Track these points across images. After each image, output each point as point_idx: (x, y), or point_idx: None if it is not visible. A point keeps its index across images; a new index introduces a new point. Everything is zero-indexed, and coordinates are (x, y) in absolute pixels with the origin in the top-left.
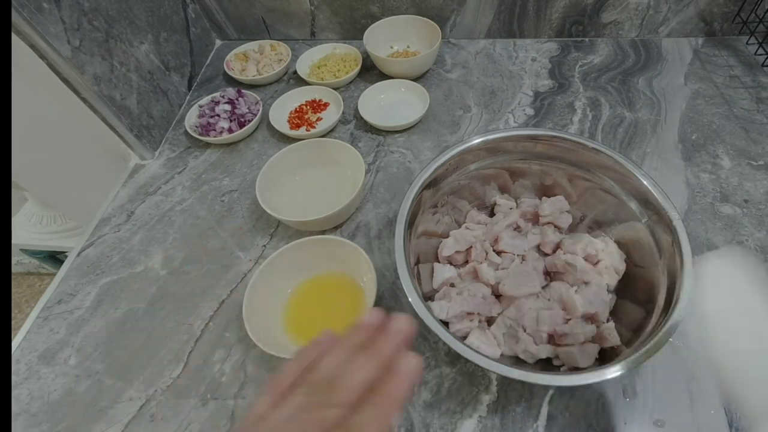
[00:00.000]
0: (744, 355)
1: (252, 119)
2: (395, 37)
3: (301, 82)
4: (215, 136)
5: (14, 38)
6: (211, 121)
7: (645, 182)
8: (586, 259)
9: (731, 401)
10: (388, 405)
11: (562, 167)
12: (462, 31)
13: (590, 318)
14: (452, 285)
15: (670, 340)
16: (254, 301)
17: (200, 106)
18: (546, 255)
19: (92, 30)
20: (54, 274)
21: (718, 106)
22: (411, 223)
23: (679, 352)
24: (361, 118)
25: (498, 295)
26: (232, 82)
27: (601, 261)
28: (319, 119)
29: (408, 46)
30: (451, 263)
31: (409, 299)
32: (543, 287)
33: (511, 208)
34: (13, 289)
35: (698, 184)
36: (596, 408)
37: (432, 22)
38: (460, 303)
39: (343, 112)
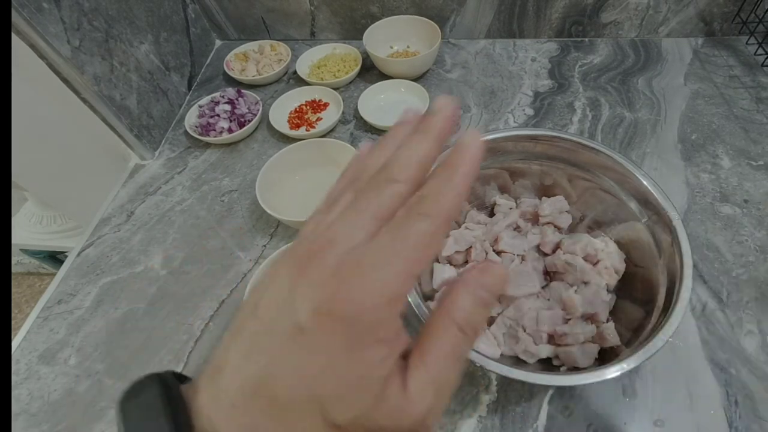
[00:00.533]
0: None
1: (252, 119)
2: (395, 37)
3: (301, 82)
4: (215, 136)
5: (14, 38)
6: (211, 121)
7: (645, 182)
8: (585, 259)
9: None
10: (457, 176)
11: (561, 167)
12: (462, 31)
13: (590, 318)
14: None
15: (670, 340)
16: None
17: (200, 106)
18: (546, 255)
19: (92, 30)
20: (54, 274)
21: (718, 106)
22: None
23: (679, 352)
24: (361, 118)
25: (498, 295)
26: (231, 82)
27: (600, 261)
28: (318, 119)
29: (408, 47)
30: (450, 263)
31: (409, 299)
32: (543, 287)
33: (510, 208)
34: (13, 289)
35: (698, 184)
36: (596, 408)
37: (432, 22)
38: None
39: (342, 113)
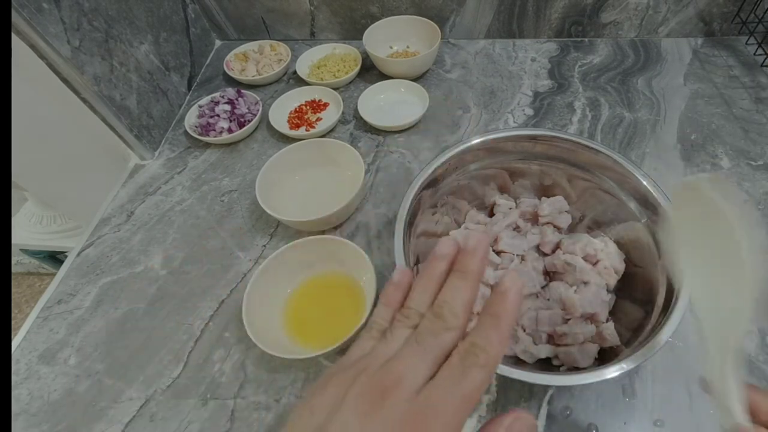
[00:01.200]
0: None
1: (252, 119)
2: (395, 38)
3: (301, 82)
4: (215, 136)
5: (14, 38)
6: (211, 121)
7: (644, 182)
8: (585, 259)
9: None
10: (504, 324)
11: (561, 167)
12: (461, 32)
13: (589, 318)
14: None
15: (670, 339)
16: (254, 301)
17: (200, 107)
18: (545, 255)
19: (92, 30)
20: (54, 274)
21: (718, 107)
22: (410, 223)
23: (679, 352)
24: (361, 118)
25: None
26: (231, 82)
27: (600, 261)
28: (318, 119)
29: (407, 47)
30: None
31: None
32: (542, 287)
33: (510, 208)
34: (13, 289)
35: None
36: (596, 408)
37: (431, 23)
38: None
39: (342, 113)
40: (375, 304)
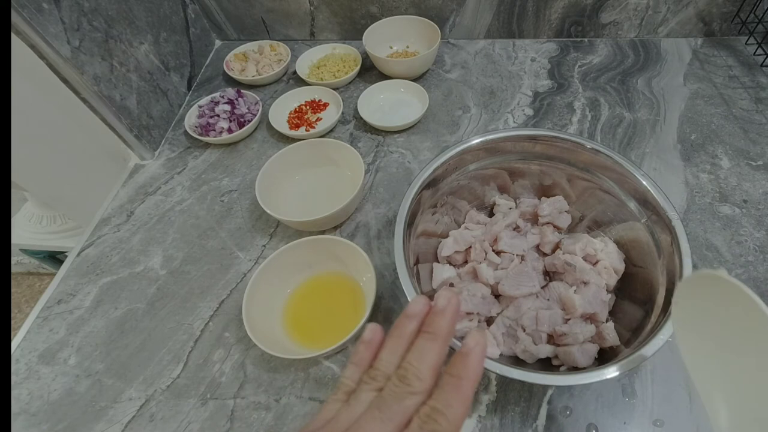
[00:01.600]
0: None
1: (251, 119)
2: (394, 38)
3: (301, 82)
4: (215, 137)
5: (14, 38)
6: (211, 121)
7: (644, 182)
8: (585, 259)
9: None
10: (465, 388)
11: (561, 167)
12: (461, 32)
13: (589, 318)
14: (451, 285)
15: (670, 339)
16: (254, 301)
17: (200, 107)
18: (545, 255)
19: (92, 30)
20: (54, 274)
21: (717, 107)
22: (410, 223)
23: (679, 352)
24: (361, 118)
25: (497, 295)
26: (231, 82)
27: (600, 261)
28: (318, 119)
29: (407, 47)
30: (450, 263)
31: (409, 299)
32: (542, 287)
33: (510, 208)
34: (13, 289)
35: (697, 184)
36: (595, 408)
37: (431, 23)
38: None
39: (342, 113)
40: (374, 305)
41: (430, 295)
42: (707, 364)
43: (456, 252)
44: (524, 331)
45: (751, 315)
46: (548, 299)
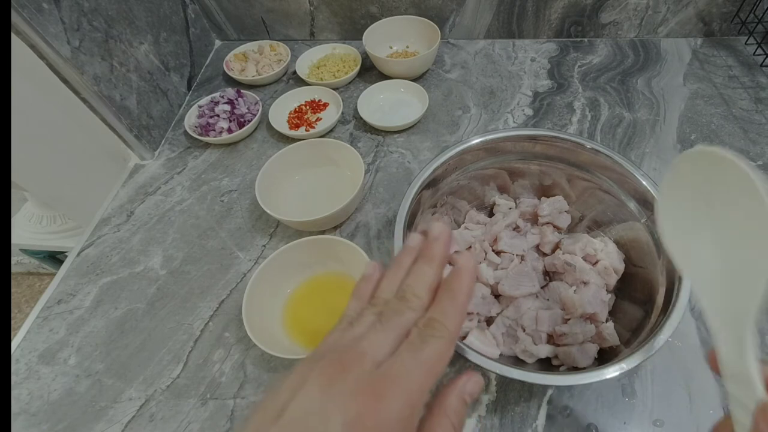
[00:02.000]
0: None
1: (251, 119)
2: (394, 38)
3: (301, 82)
4: (215, 137)
5: (14, 38)
6: (211, 121)
7: (644, 182)
8: (585, 259)
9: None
10: (459, 298)
11: (561, 167)
12: (461, 32)
13: (589, 318)
14: None
15: (669, 339)
16: (254, 301)
17: (200, 107)
18: (545, 255)
19: (92, 30)
20: (54, 274)
21: (717, 107)
22: (410, 224)
23: (678, 352)
24: (361, 118)
25: (497, 295)
26: (231, 82)
27: (600, 261)
28: (318, 119)
29: (407, 47)
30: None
31: None
32: (542, 287)
33: (510, 208)
34: (13, 289)
35: None
36: (595, 408)
37: (431, 23)
38: None
39: (342, 113)
40: None
41: None
42: (692, 239)
43: (456, 252)
44: (524, 331)
45: (743, 186)
46: (548, 299)
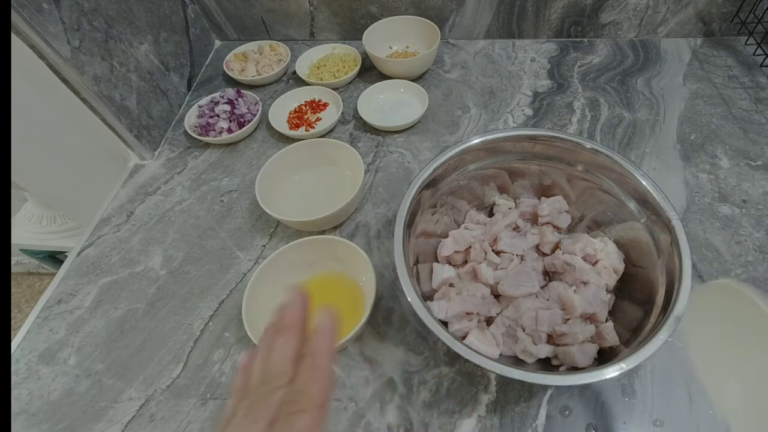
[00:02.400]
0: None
1: (251, 119)
2: (394, 38)
3: (301, 82)
4: (215, 137)
5: (14, 38)
6: (211, 121)
7: (644, 182)
8: (584, 259)
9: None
10: (320, 362)
11: (560, 167)
12: (461, 32)
13: (589, 318)
14: (451, 285)
15: (669, 339)
16: (253, 301)
17: (200, 107)
18: (545, 255)
19: (92, 30)
20: (54, 274)
21: (717, 107)
22: (410, 223)
23: (678, 352)
24: (361, 118)
25: (497, 295)
26: (231, 82)
27: (599, 261)
28: (318, 119)
29: (407, 47)
30: (450, 263)
31: (408, 299)
32: (542, 287)
33: (510, 208)
34: (13, 289)
35: (697, 184)
36: (595, 408)
37: (431, 23)
38: (459, 303)
39: (342, 113)
40: (374, 304)
41: (427, 296)
42: (715, 359)
43: (456, 252)
44: (524, 331)
45: (756, 314)
46: (548, 299)
